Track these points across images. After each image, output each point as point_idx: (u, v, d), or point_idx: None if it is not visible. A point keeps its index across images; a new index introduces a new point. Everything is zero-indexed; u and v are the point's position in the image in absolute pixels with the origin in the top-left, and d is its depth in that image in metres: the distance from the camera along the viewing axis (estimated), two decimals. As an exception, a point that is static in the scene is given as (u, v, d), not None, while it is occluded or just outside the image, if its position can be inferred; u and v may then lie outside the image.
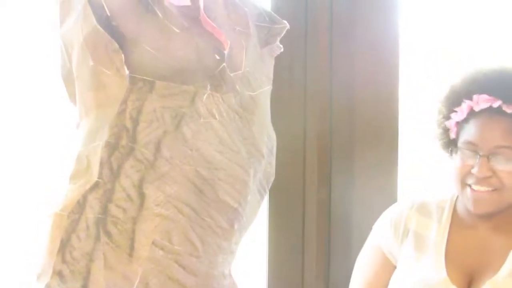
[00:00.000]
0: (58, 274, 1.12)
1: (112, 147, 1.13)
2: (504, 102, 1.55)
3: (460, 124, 1.61)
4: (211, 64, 1.18)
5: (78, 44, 1.18)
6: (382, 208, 2.03)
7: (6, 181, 1.92)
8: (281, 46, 1.35)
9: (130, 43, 1.15)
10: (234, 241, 1.23)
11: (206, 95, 1.17)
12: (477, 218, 1.64)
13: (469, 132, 1.57)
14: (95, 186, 1.13)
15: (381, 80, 2.08)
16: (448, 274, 1.61)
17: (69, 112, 1.29)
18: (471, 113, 1.59)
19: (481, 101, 1.56)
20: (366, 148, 2.08)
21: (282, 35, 1.33)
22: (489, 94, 1.56)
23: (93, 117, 1.17)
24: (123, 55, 1.15)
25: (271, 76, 1.33)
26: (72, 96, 1.28)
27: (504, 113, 1.55)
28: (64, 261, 1.12)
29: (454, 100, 1.63)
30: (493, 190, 1.54)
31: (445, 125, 1.66)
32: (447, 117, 1.65)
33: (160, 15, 1.15)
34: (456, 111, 1.61)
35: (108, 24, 1.15)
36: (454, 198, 1.71)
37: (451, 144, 1.66)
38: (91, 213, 1.12)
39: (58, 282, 1.11)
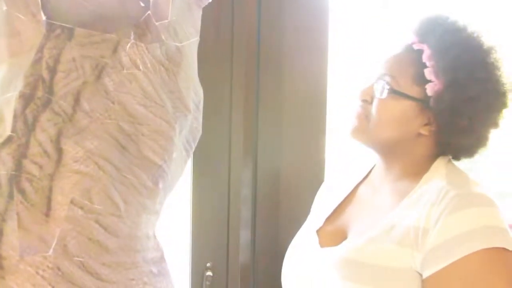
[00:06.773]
0: (-33, 235, 1.04)
1: (27, 98, 1.05)
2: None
3: None
4: (135, 12, 1.11)
5: (-11, -13, 1.09)
6: (309, 169, 2.01)
7: None
8: (209, -4, 1.29)
9: (47, -13, 1.07)
10: (158, 201, 1.17)
11: (129, 44, 1.10)
12: (382, 177, 1.61)
13: None
14: (8, 140, 1.04)
15: (312, 26, 2.04)
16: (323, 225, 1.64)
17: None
18: None
19: None
20: (293, 104, 2.05)
21: None
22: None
23: (6, 67, 1.09)
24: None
25: (199, 27, 1.27)
26: (-18, 44, 1.19)
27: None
28: (-27, 221, 1.04)
29: None
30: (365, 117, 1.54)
31: None
32: None
33: (80, -44, 1.08)
34: None
35: None
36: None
37: None
38: (3, 170, 1.04)
39: (-33, 243, 1.03)
